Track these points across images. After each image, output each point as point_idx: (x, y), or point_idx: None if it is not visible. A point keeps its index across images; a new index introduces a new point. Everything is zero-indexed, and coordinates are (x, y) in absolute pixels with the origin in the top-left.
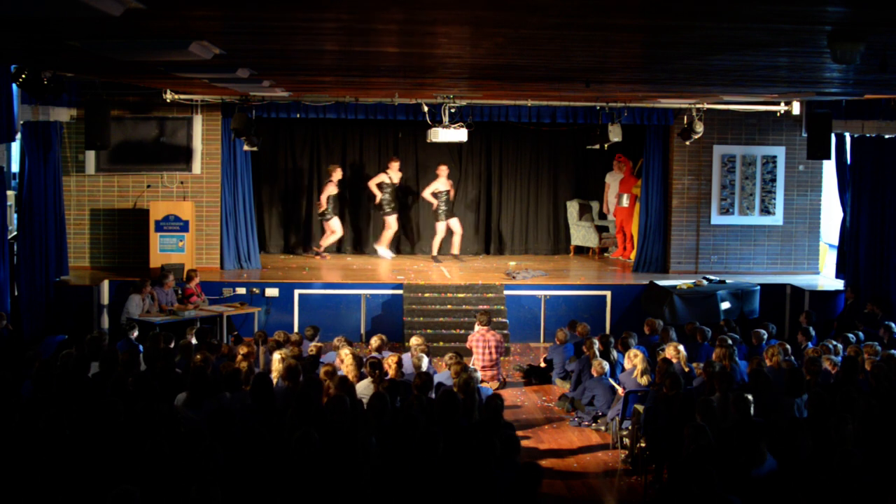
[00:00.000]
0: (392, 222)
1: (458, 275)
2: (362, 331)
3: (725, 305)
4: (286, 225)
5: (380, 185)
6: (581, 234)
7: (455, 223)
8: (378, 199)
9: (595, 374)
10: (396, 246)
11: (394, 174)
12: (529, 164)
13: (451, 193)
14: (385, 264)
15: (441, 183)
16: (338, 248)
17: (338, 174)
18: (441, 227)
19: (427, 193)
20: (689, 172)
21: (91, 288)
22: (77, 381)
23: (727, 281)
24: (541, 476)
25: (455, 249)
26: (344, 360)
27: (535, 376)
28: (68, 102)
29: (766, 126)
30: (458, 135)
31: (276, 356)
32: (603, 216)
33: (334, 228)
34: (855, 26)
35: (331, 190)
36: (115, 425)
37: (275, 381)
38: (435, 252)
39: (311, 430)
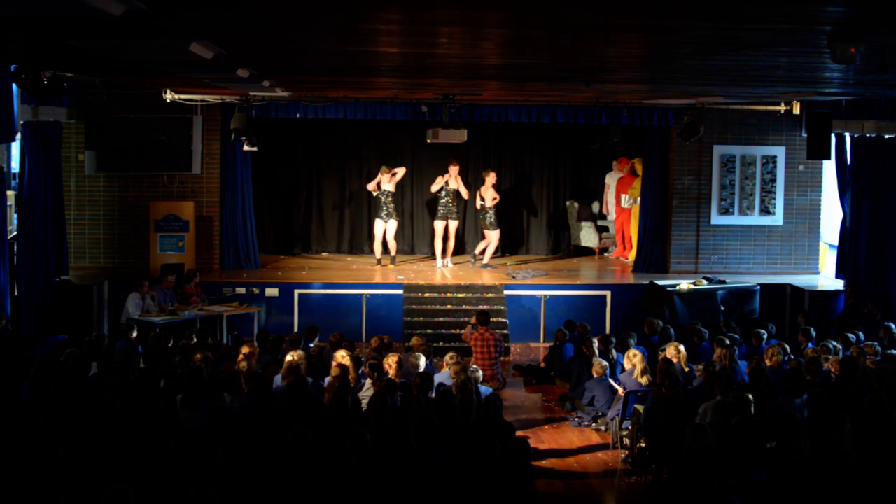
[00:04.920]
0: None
1: (458, 275)
2: (362, 331)
3: (725, 305)
4: (286, 225)
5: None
6: (581, 234)
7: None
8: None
9: (595, 375)
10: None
11: (452, 180)
12: (529, 164)
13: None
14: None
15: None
16: (337, 247)
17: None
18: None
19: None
20: (689, 172)
21: (91, 288)
22: (76, 382)
23: (727, 281)
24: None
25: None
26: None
27: (535, 376)
28: (68, 102)
29: (766, 126)
30: (458, 135)
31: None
32: (603, 216)
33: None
34: (855, 26)
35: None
36: (113, 425)
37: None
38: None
39: (305, 429)
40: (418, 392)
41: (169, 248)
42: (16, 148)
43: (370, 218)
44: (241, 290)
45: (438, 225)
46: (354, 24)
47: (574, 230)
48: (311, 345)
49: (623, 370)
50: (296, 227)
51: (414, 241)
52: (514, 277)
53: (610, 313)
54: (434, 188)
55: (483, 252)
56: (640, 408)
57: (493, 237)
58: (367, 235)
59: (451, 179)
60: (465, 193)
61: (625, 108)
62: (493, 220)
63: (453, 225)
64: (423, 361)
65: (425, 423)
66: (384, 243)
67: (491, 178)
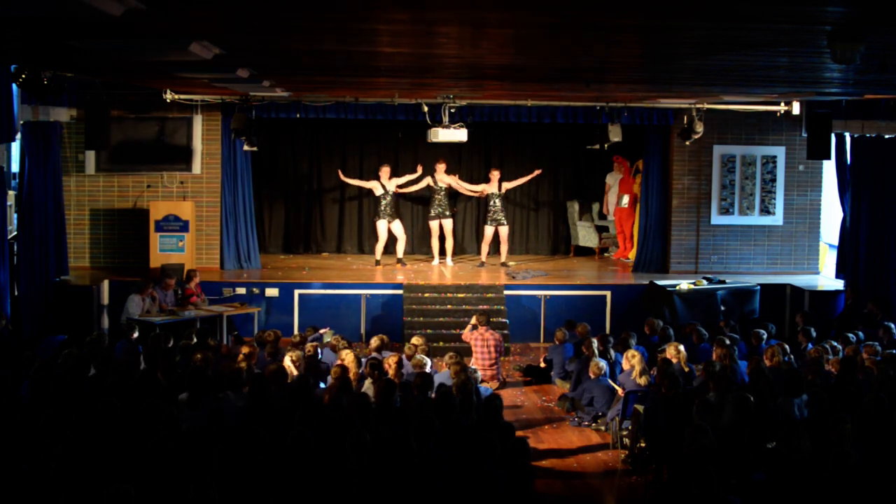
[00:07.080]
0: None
1: (458, 275)
2: (362, 331)
3: (725, 305)
4: (286, 225)
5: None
6: (581, 234)
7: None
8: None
9: (592, 375)
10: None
11: (440, 176)
12: (529, 164)
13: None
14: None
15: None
16: (337, 247)
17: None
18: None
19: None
20: (689, 172)
21: (91, 288)
22: (76, 382)
23: (727, 281)
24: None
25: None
26: (345, 360)
27: (535, 376)
28: (68, 102)
29: (766, 126)
30: (458, 135)
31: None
32: (603, 216)
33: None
34: (855, 26)
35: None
36: (112, 425)
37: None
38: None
39: (305, 429)
40: (418, 392)
41: (169, 248)
42: (16, 148)
43: (370, 218)
44: (241, 290)
45: (433, 225)
46: (355, 24)
47: (574, 230)
48: (308, 344)
49: (622, 370)
50: (296, 227)
51: (414, 242)
52: (514, 277)
53: (610, 313)
54: (415, 188)
55: (494, 252)
56: (639, 408)
57: (503, 233)
58: (368, 235)
59: (440, 178)
60: (462, 189)
61: (625, 108)
62: (502, 215)
63: (448, 224)
64: (427, 362)
65: (425, 423)
66: (393, 243)
67: (494, 175)
